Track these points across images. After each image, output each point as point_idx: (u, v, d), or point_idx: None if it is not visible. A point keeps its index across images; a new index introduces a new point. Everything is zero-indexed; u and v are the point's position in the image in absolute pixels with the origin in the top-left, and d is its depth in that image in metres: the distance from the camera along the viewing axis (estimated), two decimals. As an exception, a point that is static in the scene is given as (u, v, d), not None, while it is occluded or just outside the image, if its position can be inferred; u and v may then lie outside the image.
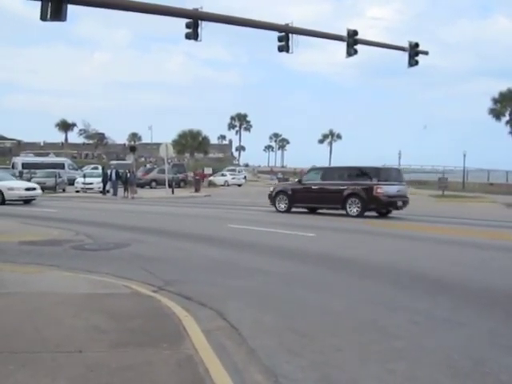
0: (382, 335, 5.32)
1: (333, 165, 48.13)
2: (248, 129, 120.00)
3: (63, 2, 13.40)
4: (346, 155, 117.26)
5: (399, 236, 14.14)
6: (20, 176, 37.59)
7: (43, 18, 13.51)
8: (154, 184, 45.08)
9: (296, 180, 24.98)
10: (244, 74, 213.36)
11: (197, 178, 42.15)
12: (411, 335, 5.33)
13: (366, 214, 19.17)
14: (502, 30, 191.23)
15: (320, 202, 20.52)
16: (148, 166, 57.82)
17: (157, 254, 10.31)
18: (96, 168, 49.83)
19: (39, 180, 34.88)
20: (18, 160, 50.04)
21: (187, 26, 16.52)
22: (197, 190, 39.60)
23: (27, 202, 25.26)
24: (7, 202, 24.23)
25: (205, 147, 72.69)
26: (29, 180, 33.63)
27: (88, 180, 38.97)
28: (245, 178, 63.03)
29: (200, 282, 7.78)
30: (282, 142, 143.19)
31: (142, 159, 79.84)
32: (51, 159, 54.69)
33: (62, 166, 47.80)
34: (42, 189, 28.22)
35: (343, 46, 18.88)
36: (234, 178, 58.73)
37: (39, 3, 13.42)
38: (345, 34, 18.92)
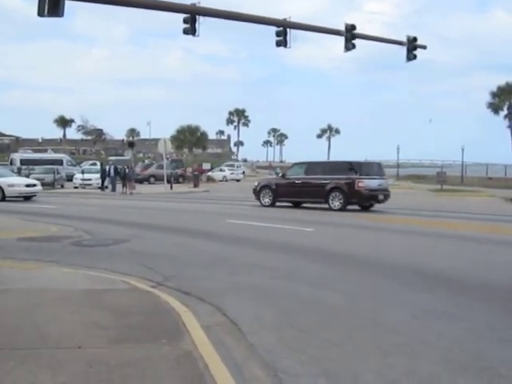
0: (381, 330, 5.33)
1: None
2: (246, 124, 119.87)
3: (60, -2, 13.34)
4: (345, 150, 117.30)
5: (398, 231, 14.16)
6: (18, 172, 37.38)
7: (40, 13, 13.44)
8: (152, 180, 44.96)
9: (280, 175, 25.01)
10: (242, 70, 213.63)
11: (195, 173, 42.11)
12: (410, 329, 5.34)
13: (349, 207, 19.40)
14: (501, 25, 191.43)
15: (303, 196, 20.69)
16: (146, 161, 57.75)
17: (155, 250, 10.31)
18: (94, 164, 49.65)
19: (37, 176, 34.72)
20: (17, 156, 49.80)
21: (185, 21, 16.45)
22: (195, 186, 39.58)
23: (27, 198, 25.10)
24: (7, 199, 24.17)
25: (203, 142, 72.71)
26: (27, 176, 33.53)
27: (86, 176, 38.89)
28: (243, 173, 62.93)
29: (199, 277, 7.77)
30: (280, 137, 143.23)
31: (141, 155, 79.84)
32: (49, 155, 54.48)
33: (60, 162, 47.59)
34: (41, 185, 28.14)
35: (341, 40, 18.83)
36: (232, 174, 58.67)
37: (36, -1, 13.37)
38: (343, 28, 18.89)
